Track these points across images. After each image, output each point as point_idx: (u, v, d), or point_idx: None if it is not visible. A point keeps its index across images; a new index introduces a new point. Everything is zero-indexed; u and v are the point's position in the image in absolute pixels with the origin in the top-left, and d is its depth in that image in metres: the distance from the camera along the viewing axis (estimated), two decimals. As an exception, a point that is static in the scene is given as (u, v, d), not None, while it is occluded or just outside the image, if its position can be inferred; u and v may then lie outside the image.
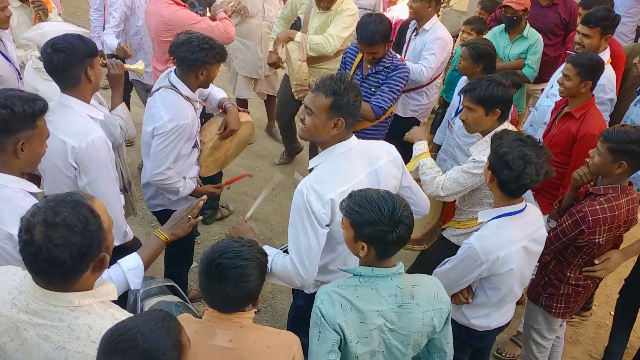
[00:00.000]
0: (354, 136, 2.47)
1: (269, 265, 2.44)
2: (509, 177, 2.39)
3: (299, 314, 2.71)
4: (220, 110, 3.47)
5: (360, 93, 2.40)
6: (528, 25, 4.89)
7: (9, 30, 3.84)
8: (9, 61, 3.64)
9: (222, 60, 3.09)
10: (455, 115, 3.90)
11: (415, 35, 4.53)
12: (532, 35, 4.90)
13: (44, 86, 2.74)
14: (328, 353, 1.98)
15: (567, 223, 2.85)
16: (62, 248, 1.52)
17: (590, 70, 3.36)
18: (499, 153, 2.41)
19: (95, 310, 1.63)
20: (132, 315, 1.64)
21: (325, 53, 4.41)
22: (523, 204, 2.54)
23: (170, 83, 3.06)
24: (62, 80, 2.57)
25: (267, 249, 2.49)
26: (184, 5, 4.07)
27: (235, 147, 3.60)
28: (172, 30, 3.76)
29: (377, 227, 1.91)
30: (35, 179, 3.02)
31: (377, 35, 3.61)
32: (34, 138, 2.11)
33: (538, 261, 2.77)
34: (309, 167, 2.48)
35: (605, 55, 3.88)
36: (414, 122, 4.52)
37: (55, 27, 3.31)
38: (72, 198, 1.59)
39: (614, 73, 3.92)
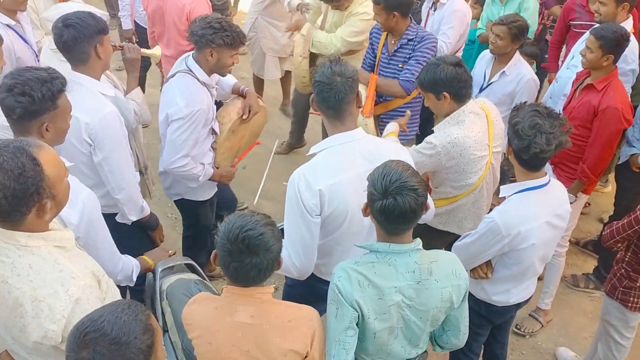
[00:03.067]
0: (359, 129, 2.37)
1: None
2: (519, 147, 2.35)
3: (290, 293, 2.70)
4: (234, 96, 3.43)
5: (342, 79, 2.25)
6: None
7: (36, 14, 3.87)
8: (27, 43, 3.64)
9: (233, 45, 2.96)
10: (480, 92, 3.84)
11: (433, 11, 4.45)
12: None
13: (60, 67, 2.73)
14: (346, 330, 1.97)
15: None
16: None
17: (614, 44, 3.27)
18: (512, 122, 2.39)
19: (40, 253, 1.71)
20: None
21: (325, 54, 4.09)
22: (546, 179, 2.49)
23: (188, 67, 3.02)
24: (73, 56, 2.59)
25: None
26: None
27: (249, 135, 3.55)
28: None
29: (372, 190, 1.91)
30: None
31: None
32: (57, 117, 2.14)
33: (612, 250, 2.72)
34: (308, 154, 2.42)
35: (628, 25, 3.78)
36: None
37: (74, 7, 3.30)
38: (17, 144, 1.65)
39: (637, 43, 3.82)
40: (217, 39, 2.89)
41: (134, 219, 2.85)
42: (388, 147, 2.42)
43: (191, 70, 3.00)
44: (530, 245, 2.45)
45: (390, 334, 2.06)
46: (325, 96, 2.26)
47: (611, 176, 4.71)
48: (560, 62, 4.59)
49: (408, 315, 2.02)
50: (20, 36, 3.59)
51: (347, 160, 2.30)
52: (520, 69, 3.74)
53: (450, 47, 4.21)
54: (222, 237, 1.80)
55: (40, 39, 3.91)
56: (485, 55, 3.93)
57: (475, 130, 2.84)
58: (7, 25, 3.47)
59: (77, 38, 2.52)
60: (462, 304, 2.13)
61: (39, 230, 1.73)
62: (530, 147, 2.32)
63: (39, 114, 2.07)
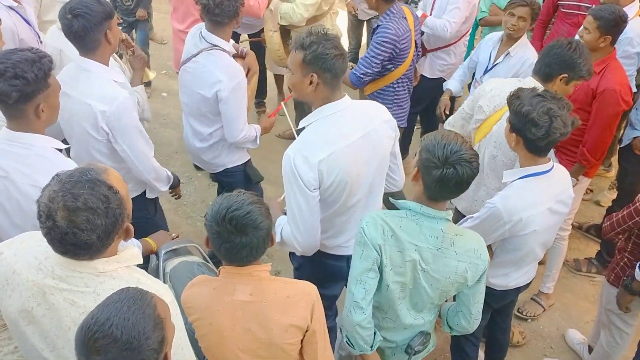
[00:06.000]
0: (346, 96, 2.34)
1: (279, 235, 2.44)
2: (537, 135, 2.30)
3: (300, 276, 2.72)
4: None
5: (338, 46, 2.23)
6: None
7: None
8: (30, 25, 3.64)
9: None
10: (485, 73, 3.81)
11: None
12: None
13: (70, 46, 2.73)
14: (368, 271, 2.06)
15: None
16: (88, 232, 1.51)
17: (612, 25, 3.23)
18: (522, 112, 2.32)
19: (120, 275, 1.63)
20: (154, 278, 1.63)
21: (293, 23, 4.20)
22: (550, 165, 2.47)
23: (211, 44, 3.06)
24: (83, 45, 2.57)
25: (282, 218, 2.49)
26: None
27: (249, 93, 3.60)
28: None
29: (430, 157, 1.93)
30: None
31: None
32: (50, 95, 2.12)
33: (613, 241, 2.68)
34: (298, 127, 2.41)
35: (634, 8, 3.75)
36: (441, 82, 4.43)
37: None
38: (88, 177, 1.54)
39: (643, 26, 3.78)
40: (240, 5, 3.00)
41: (165, 189, 3.00)
42: (374, 111, 2.43)
43: (216, 45, 3.06)
44: (531, 231, 2.45)
45: (402, 291, 2.13)
46: (336, 64, 2.20)
47: (614, 160, 4.68)
48: (543, 42, 4.52)
49: (420, 278, 2.08)
50: (23, 17, 3.59)
51: (340, 130, 2.29)
52: (525, 51, 3.70)
53: (455, 27, 4.13)
54: (210, 220, 1.81)
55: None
56: (493, 37, 3.87)
57: None
58: (9, 7, 3.47)
59: (87, 27, 2.48)
60: (477, 284, 2.15)
61: (114, 254, 1.65)
62: (549, 133, 2.29)
63: (34, 95, 2.05)
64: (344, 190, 2.33)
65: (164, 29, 7.03)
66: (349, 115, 2.32)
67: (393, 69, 3.74)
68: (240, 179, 3.53)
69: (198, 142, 3.35)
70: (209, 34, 3.05)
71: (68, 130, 2.72)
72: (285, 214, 2.43)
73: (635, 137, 3.77)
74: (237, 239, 1.78)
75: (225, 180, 3.53)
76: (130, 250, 1.72)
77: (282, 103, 3.66)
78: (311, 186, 2.25)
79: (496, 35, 3.86)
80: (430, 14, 4.39)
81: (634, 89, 3.80)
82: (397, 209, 2.11)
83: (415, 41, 3.82)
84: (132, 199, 2.75)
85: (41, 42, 3.66)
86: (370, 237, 2.03)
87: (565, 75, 2.78)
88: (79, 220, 1.49)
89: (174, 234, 2.78)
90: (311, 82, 2.22)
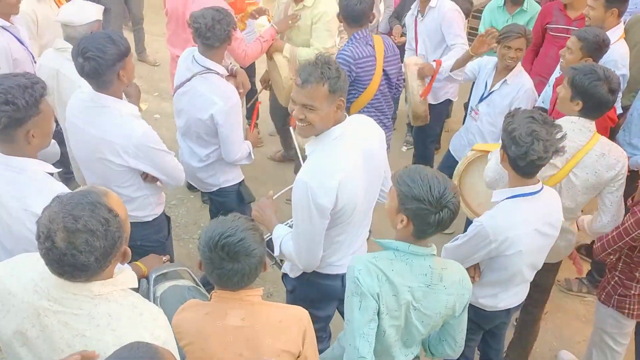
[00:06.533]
0: (346, 115, 2.40)
1: (278, 247, 2.50)
2: (516, 154, 2.34)
3: (291, 299, 2.75)
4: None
5: (338, 66, 2.30)
6: None
7: (35, 26, 3.92)
8: (23, 45, 3.67)
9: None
10: (480, 101, 3.84)
11: (422, 17, 4.42)
12: (532, 7, 4.79)
13: (68, 66, 2.75)
14: (369, 322, 2.00)
15: (630, 222, 2.76)
16: (87, 254, 1.51)
17: (594, 48, 3.29)
18: (508, 129, 2.37)
19: (116, 299, 1.63)
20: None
21: None
22: (539, 186, 2.49)
23: (204, 67, 3.09)
24: (95, 84, 2.58)
25: (279, 228, 2.54)
26: None
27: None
28: None
29: (423, 205, 1.90)
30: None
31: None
32: (41, 121, 2.13)
33: (605, 262, 2.72)
34: (306, 153, 2.41)
35: (618, 32, 3.80)
36: (448, 103, 4.65)
37: (78, 5, 3.35)
38: (89, 199, 1.56)
39: (627, 48, 3.84)
40: (231, 30, 3.06)
41: (182, 184, 3.06)
42: (368, 128, 2.51)
43: (209, 69, 3.09)
44: (517, 251, 2.46)
45: (397, 334, 2.10)
46: (346, 84, 2.29)
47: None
48: (533, 65, 4.60)
49: (411, 316, 2.06)
50: (16, 37, 3.62)
51: (348, 152, 2.34)
52: (521, 78, 3.74)
53: (466, 46, 4.15)
54: (202, 245, 1.82)
55: (37, 52, 3.88)
56: (489, 64, 3.88)
57: None
58: (2, 27, 3.51)
59: (98, 70, 2.47)
60: (462, 313, 2.16)
61: (110, 276, 1.66)
62: (527, 154, 2.31)
63: (24, 121, 2.06)
64: (353, 211, 2.37)
65: (157, 51, 7.09)
66: (351, 135, 2.36)
67: (356, 94, 3.70)
68: (233, 198, 3.54)
69: (195, 162, 3.38)
70: (202, 57, 3.08)
71: (86, 162, 2.77)
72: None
73: (623, 158, 3.81)
74: (229, 265, 1.78)
75: (219, 200, 3.54)
76: (126, 273, 1.73)
77: (252, 125, 3.74)
78: (325, 210, 2.27)
79: (491, 61, 3.87)
80: (416, 47, 4.46)
81: (620, 110, 3.86)
82: None
83: (387, 72, 3.72)
84: (150, 221, 2.88)
85: (35, 62, 3.69)
86: (367, 287, 1.97)
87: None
88: (78, 242, 1.50)
89: (164, 257, 2.77)
90: (338, 107, 2.28)
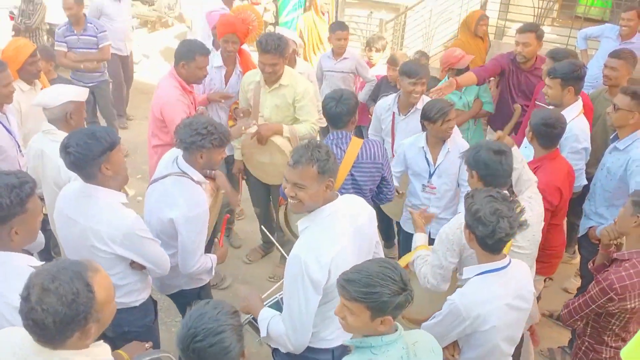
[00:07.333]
0: (337, 194, 2.57)
1: (265, 329, 2.51)
2: (484, 233, 2.43)
3: None
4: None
5: (328, 149, 2.47)
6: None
7: (19, 113, 4.02)
8: (10, 134, 3.77)
9: (222, 145, 3.12)
10: (430, 177, 3.86)
11: (404, 116, 4.38)
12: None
13: (51, 148, 2.82)
14: None
15: (594, 290, 2.83)
16: (47, 314, 1.62)
17: (544, 133, 3.45)
18: (472, 210, 2.47)
19: None
20: None
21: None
22: (506, 260, 2.56)
23: (181, 170, 3.09)
24: (81, 175, 2.67)
25: (265, 311, 2.57)
26: (191, 92, 4.18)
27: (215, 213, 3.61)
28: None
29: (397, 298, 1.94)
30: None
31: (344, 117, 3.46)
32: (26, 220, 2.20)
33: (573, 328, 2.72)
34: (300, 229, 2.51)
35: (577, 107, 3.99)
36: None
37: (56, 91, 3.42)
38: (75, 269, 1.69)
39: (587, 123, 4.03)
40: (206, 143, 3.00)
41: (167, 272, 3.02)
42: (357, 205, 2.65)
43: (185, 173, 3.08)
44: (491, 327, 2.50)
45: None
46: (335, 165, 2.48)
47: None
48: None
49: None
50: (5, 127, 3.73)
51: (340, 228, 2.46)
52: (458, 140, 3.81)
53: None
54: (177, 341, 1.83)
55: (20, 139, 3.97)
56: (414, 145, 3.88)
57: None
58: None
59: (79, 164, 2.58)
60: None
61: (85, 347, 1.74)
62: (495, 233, 2.40)
63: (7, 219, 2.13)
64: None
65: (138, 135, 7.20)
66: (342, 212, 2.50)
67: None
68: (194, 299, 3.43)
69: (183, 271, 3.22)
70: (183, 162, 3.09)
71: (74, 248, 2.79)
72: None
73: (590, 227, 3.95)
74: None
75: (180, 301, 3.47)
76: (101, 347, 1.80)
77: (221, 238, 3.63)
78: (320, 284, 2.34)
79: (418, 140, 3.86)
80: (392, 143, 4.46)
81: (585, 182, 4.03)
82: None
83: (355, 178, 3.53)
84: (137, 306, 2.89)
85: (21, 152, 3.77)
86: None
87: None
88: (46, 301, 1.63)
89: (147, 345, 2.76)
90: (327, 187, 2.43)
